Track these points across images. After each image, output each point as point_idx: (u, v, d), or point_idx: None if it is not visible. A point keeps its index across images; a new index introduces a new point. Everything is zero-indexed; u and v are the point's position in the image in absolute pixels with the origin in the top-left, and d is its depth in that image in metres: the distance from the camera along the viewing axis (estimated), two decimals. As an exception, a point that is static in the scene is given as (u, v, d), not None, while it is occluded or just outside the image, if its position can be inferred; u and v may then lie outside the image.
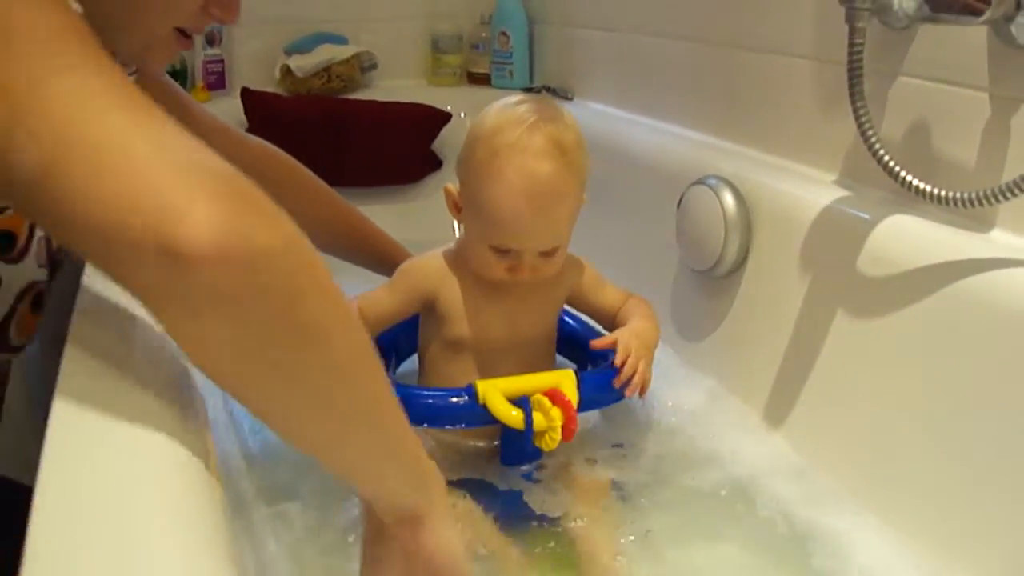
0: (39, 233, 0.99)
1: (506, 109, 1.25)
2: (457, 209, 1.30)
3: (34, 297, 1.00)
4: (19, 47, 0.63)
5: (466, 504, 1.20)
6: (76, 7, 0.75)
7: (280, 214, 0.63)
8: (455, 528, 0.84)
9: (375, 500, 0.81)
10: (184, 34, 1.02)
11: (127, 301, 0.89)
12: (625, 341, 1.24)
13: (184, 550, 0.57)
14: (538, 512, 1.19)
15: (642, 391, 1.24)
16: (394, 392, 0.75)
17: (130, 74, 1.23)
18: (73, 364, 0.77)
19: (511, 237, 1.23)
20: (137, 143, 0.58)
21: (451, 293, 1.30)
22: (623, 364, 1.22)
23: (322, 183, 1.54)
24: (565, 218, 1.25)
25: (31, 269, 0.99)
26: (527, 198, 1.20)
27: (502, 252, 1.24)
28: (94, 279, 0.95)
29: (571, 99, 2.23)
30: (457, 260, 1.31)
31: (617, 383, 1.22)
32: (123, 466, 0.63)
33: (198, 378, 0.82)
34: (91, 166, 0.57)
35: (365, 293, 1.32)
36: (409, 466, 0.79)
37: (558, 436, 1.15)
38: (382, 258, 1.51)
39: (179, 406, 0.75)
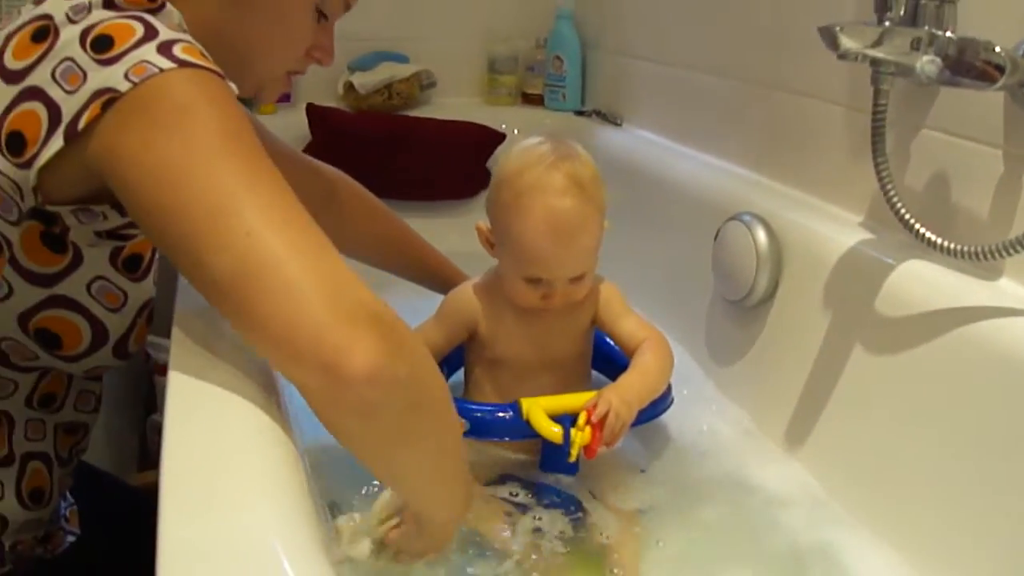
0: (157, 255, 1.13)
1: (526, 151, 1.35)
2: (490, 245, 1.40)
3: (149, 312, 1.13)
4: (210, 155, 0.85)
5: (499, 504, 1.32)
6: (233, 88, 0.91)
7: (409, 339, 0.86)
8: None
9: (437, 512, 1.06)
10: (289, 74, 1.18)
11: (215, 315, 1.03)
12: (604, 405, 1.26)
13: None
14: (561, 528, 1.28)
15: (609, 444, 1.27)
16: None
17: None
18: (178, 371, 0.92)
19: (542, 269, 1.33)
20: (311, 280, 0.80)
21: (488, 320, 1.41)
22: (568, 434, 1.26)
23: (383, 205, 1.66)
24: (589, 247, 1.34)
25: (149, 287, 1.12)
26: (552, 232, 1.30)
27: (535, 282, 1.34)
28: (185, 296, 1.09)
29: (620, 124, 2.32)
30: (490, 290, 1.42)
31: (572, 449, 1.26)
32: (237, 461, 0.80)
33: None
34: (274, 292, 0.80)
35: (415, 329, 1.41)
36: (463, 486, 1.05)
37: (575, 452, 1.25)
38: (435, 276, 1.63)
39: (269, 402, 0.91)
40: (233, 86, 0.93)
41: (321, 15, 1.15)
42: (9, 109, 0.92)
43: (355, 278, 0.83)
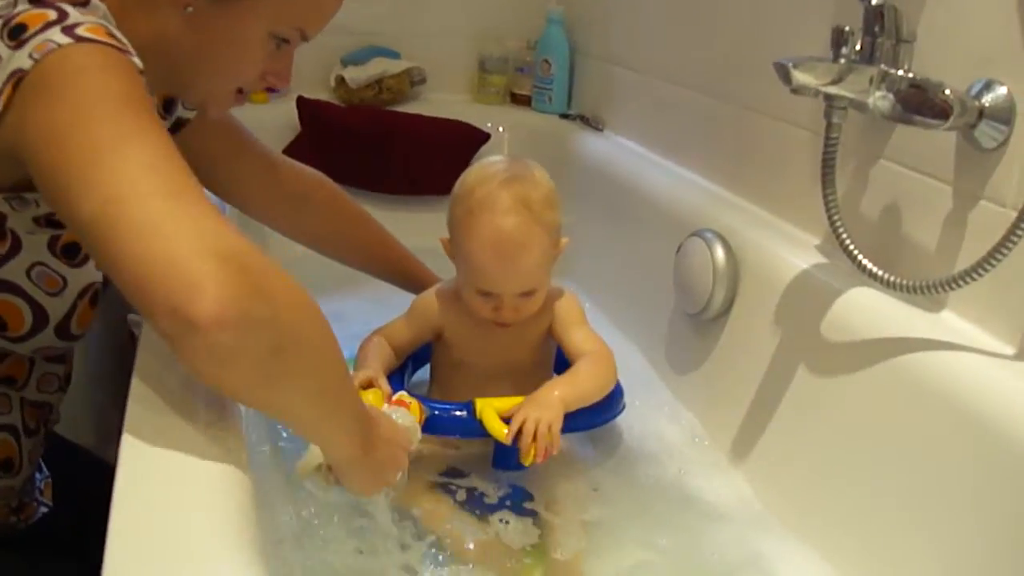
0: None
1: (482, 169, 1.41)
2: (452, 256, 1.45)
3: (92, 295, 1.18)
4: (91, 112, 0.86)
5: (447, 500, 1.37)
6: (137, 63, 0.93)
7: (274, 280, 0.83)
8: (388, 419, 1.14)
9: (334, 450, 1.04)
10: (240, 91, 1.20)
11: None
12: (515, 427, 1.31)
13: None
14: (507, 534, 1.32)
15: (546, 455, 1.31)
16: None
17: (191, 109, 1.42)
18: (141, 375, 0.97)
19: (489, 283, 1.38)
20: (168, 220, 0.79)
21: (452, 325, 1.47)
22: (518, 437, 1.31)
23: (361, 208, 1.70)
24: (534, 265, 1.38)
25: (90, 272, 1.16)
26: (496, 250, 1.35)
27: (485, 295, 1.39)
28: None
29: (602, 130, 2.37)
30: (454, 296, 1.47)
31: (522, 458, 1.31)
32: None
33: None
34: (130, 232, 0.79)
35: (386, 325, 1.50)
36: (355, 422, 1.02)
37: (528, 461, 1.31)
38: (409, 278, 1.68)
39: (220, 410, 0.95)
40: (137, 61, 0.94)
41: (281, 41, 1.17)
42: None
43: (218, 221, 0.82)
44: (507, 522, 1.33)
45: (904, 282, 1.26)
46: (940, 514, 1.16)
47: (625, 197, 2.03)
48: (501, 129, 2.51)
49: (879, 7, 1.26)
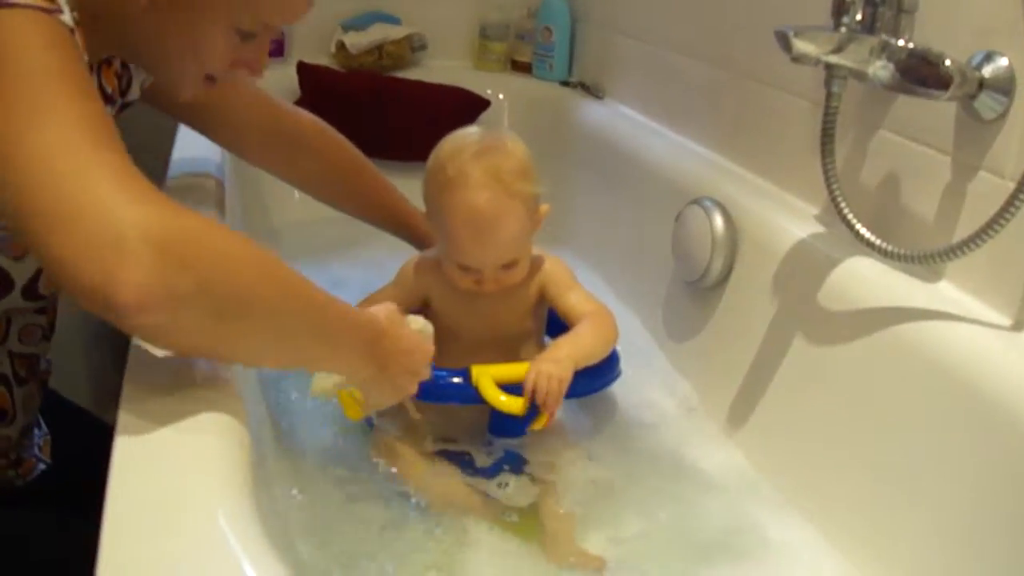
0: None
1: (454, 141, 1.39)
2: (431, 229, 1.45)
3: None
4: (17, 90, 0.83)
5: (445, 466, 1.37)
6: (67, 21, 0.89)
7: (201, 245, 0.81)
8: (408, 332, 1.16)
9: (349, 377, 1.09)
10: (211, 78, 1.16)
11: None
12: (530, 385, 1.30)
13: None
14: (505, 495, 1.33)
15: (550, 419, 1.32)
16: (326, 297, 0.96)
17: None
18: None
19: (468, 258, 1.37)
20: (86, 202, 0.76)
21: (439, 293, 1.47)
22: (532, 400, 1.30)
23: (363, 158, 1.68)
24: (511, 238, 1.36)
25: None
26: (470, 226, 1.34)
27: (465, 268, 1.39)
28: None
29: (602, 98, 2.36)
30: (439, 265, 1.45)
31: (535, 425, 1.32)
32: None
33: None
34: (46, 219, 0.76)
35: (375, 293, 1.49)
36: (360, 341, 1.04)
37: (540, 424, 1.31)
38: (409, 229, 1.67)
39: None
40: (67, 19, 0.90)
41: (247, 34, 1.12)
42: None
43: (138, 196, 0.78)
44: (507, 484, 1.33)
45: (902, 252, 1.26)
46: (935, 484, 1.17)
47: (625, 165, 2.03)
48: (501, 96, 2.52)
49: (881, -24, 1.26)
